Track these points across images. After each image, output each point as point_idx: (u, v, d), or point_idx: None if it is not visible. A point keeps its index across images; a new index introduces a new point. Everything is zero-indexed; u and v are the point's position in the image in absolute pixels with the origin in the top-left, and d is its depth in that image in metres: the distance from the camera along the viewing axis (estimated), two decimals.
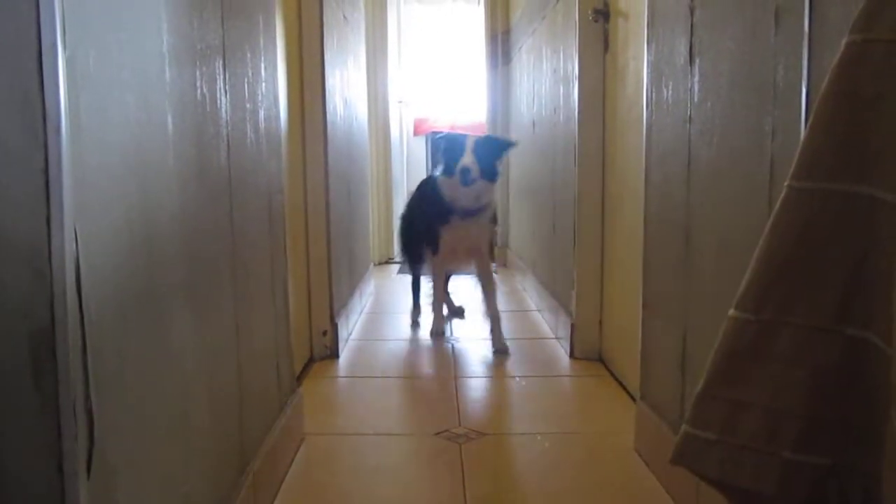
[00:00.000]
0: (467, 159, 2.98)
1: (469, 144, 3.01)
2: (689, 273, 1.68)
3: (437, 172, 3.24)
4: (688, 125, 1.67)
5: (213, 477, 1.37)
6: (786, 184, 0.79)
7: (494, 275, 3.45)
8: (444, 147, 3.15)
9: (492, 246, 3.42)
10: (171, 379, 1.14)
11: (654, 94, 1.93)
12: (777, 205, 0.80)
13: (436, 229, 3.18)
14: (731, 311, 0.83)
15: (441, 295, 3.43)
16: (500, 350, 3.14)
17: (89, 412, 0.85)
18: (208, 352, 1.33)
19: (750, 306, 0.81)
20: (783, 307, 0.79)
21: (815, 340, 0.79)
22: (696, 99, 1.63)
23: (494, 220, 3.36)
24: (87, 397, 0.85)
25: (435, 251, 3.23)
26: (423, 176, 7.68)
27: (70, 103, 0.80)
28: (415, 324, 3.65)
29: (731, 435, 0.83)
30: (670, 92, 1.80)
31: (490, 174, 3.07)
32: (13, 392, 0.81)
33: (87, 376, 0.85)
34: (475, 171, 2.98)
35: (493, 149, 3.11)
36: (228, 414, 1.48)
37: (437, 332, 3.38)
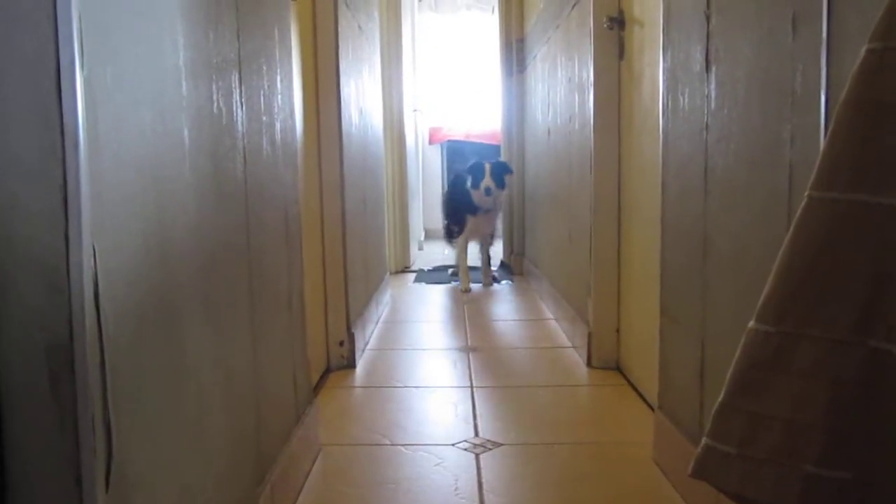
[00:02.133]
0: (487, 181, 4.67)
1: (488, 170, 4.69)
2: (707, 282, 1.67)
3: (469, 184, 4.78)
4: (704, 133, 1.66)
5: (231, 489, 1.37)
6: (806, 193, 0.78)
7: (502, 281, 5.22)
8: (472, 170, 4.78)
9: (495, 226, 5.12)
10: (189, 392, 1.14)
11: (670, 102, 1.93)
12: (797, 214, 0.79)
13: (464, 217, 4.86)
14: (751, 323, 0.82)
15: (464, 259, 4.90)
16: (487, 284, 4.97)
17: (107, 426, 0.85)
18: (225, 364, 1.33)
19: (770, 318, 0.80)
20: (803, 319, 0.78)
21: (836, 353, 0.78)
22: (712, 106, 1.62)
23: (499, 210, 5.03)
24: (106, 411, 0.85)
25: (461, 231, 4.91)
26: (439, 184, 7.70)
27: (88, 120, 0.81)
28: (454, 275, 5.23)
29: (751, 448, 0.82)
30: (686, 99, 1.79)
31: (500, 185, 4.76)
32: (32, 406, 0.82)
33: (106, 390, 0.85)
34: (493, 188, 4.68)
35: (502, 170, 4.82)
36: (245, 426, 1.48)
37: (464, 290, 4.81)
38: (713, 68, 1.62)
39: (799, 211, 0.79)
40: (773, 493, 0.80)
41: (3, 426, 0.82)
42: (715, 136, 1.61)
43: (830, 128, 0.77)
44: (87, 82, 0.80)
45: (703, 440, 0.87)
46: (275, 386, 1.72)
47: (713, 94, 1.62)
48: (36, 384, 0.82)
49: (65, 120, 0.78)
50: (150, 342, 1.00)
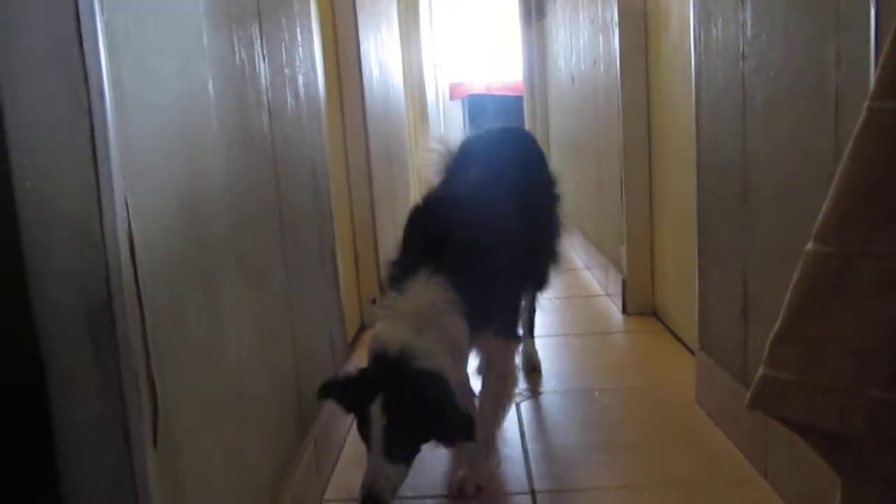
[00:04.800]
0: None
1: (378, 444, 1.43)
2: (748, 217, 1.62)
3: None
4: (741, 63, 1.60)
5: (274, 445, 1.37)
6: (865, 105, 0.73)
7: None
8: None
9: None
10: (228, 350, 1.13)
11: (702, 35, 1.86)
12: (856, 128, 0.74)
13: None
14: (809, 245, 0.79)
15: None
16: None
17: (151, 385, 0.84)
18: (262, 322, 1.32)
19: (830, 238, 0.76)
20: (867, 237, 0.74)
21: None
22: (748, 34, 1.55)
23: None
24: (149, 369, 0.84)
25: None
26: (460, 139, 7.61)
27: (111, 68, 0.78)
28: None
29: (813, 375, 0.79)
30: (720, 30, 1.72)
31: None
32: (75, 367, 0.80)
33: (148, 348, 0.84)
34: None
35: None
36: (285, 383, 1.47)
37: (478, 483, 1.70)
38: None
39: (858, 124, 0.75)
40: (838, 420, 0.77)
41: (48, 390, 0.81)
42: (752, 65, 1.55)
43: (893, 30, 0.72)
44: (107, 28, 0.78)
45: (761, 369, 0.83)
46: (312, 343, 1.71)
47: (749, 22, 1.55)
48: (78, 345, 0.80)
49: (88, 68, 0.75)
50: (187, 299, 0.98)
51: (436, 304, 1.51)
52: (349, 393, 1.51)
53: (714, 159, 1.84)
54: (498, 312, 1.69)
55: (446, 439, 1.50)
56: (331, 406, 1.74)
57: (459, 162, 2.08)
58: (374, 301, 2.97)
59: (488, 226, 1.67)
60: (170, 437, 0.89)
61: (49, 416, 0.80)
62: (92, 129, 0.76)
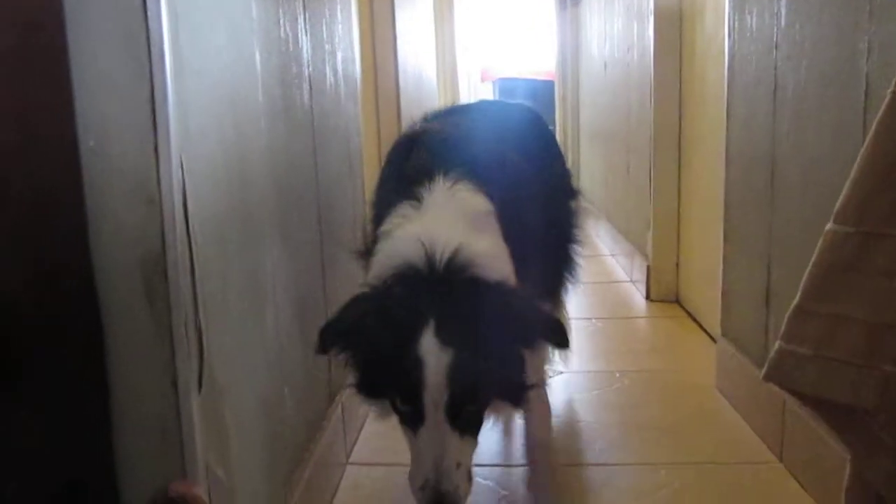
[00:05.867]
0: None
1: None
2: (775, 205, 1.64)
3: None
4: (774, 52, 1.62)
5: (306, 405, 1.42)
6: (889, 90, 0.76)
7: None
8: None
9: None
10: (267, 310, 1.19)
11: (736, 23, 1.87)
12: (880, 112, 0.77)
13: None
14: (829, 226, 0.82)
15: None
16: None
17: (199, 332, 0.89)
18: (299, 284, 1.38)
19: (849, 218, 0.80)
20: (886, 218, 0.77)
21: None
22: (782, 23, 1.57)
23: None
24: (197, 317, 0.89)
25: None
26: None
27: (170, 35, 0.83)
28: None
29: (828, 350, 0.82)
30: (754, 18, 1.74)
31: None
32: (130, 314, 0.86)
33: (196, 298, 0.89)
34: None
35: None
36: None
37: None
38: None
39: (881, 109, 0.78)
40: (851, 394, 0.81)
41: (104, 337, 0.86)
42: (785, 54, 1.56)
43: None
44: (169, 0, 0.82)
45: (777, 344, 0.87)
46: None
47: (783, 11, 1.57)
48: (133, 294, 0.85)
49: (150, 35, 0.80)
50: (232, 255, 1.03)
51: (477, 206, 1.11)
52: (371, 328, 1.01)
53: (743, 147, 1.86)
54: (526, 254, 1.21)
55: (521, 394, 1.04)
56: None
57: (440, 112, 1.70)
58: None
59: (503, 149, 1.34)
60: (213, 385, 0.94)
61: (104, 361, 0.86)
62: (152, 93, 0.81)
